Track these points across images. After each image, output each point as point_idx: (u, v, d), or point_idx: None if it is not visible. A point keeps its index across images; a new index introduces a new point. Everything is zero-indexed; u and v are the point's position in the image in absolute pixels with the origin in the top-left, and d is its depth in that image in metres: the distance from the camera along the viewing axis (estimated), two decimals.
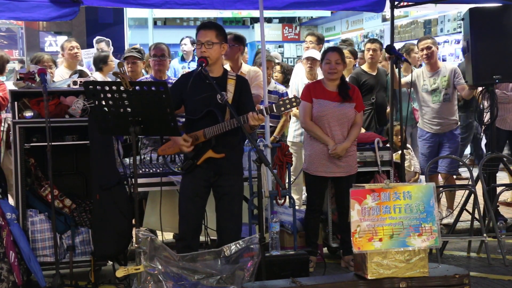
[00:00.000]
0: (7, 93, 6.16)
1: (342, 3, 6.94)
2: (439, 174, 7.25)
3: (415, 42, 8.14)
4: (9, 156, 6.29)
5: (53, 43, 15.74)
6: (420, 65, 8.05)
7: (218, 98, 4.59)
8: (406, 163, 7.00)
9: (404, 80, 7.11)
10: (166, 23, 20.31)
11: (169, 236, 6.30)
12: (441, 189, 6.50)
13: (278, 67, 8.26)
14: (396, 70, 6.14)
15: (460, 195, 6.41)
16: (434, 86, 7.03)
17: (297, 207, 6.34)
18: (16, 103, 5.22)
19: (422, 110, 7.19)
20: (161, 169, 5.38)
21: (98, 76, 7.51)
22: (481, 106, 6.75)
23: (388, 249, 3.67)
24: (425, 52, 7.07)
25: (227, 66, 6.58)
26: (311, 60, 7.29)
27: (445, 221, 6.87)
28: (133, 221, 4.99)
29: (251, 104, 4.81)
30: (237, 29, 19.74)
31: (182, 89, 4.70)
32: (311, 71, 7.31)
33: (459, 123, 7.34)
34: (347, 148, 5.68)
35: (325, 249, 6.24)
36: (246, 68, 6.62)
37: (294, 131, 7.52)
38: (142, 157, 5.68)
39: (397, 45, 7.54)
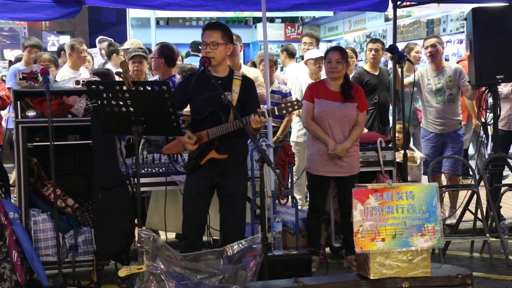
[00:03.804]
0: (8, 91, 6.17)
1: (345, 4, 6.93)
2: (443, 174, 7.23)
3: (416, 41, 8.11)
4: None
5: (55, 42, 15.73)
6: (418, 64, 8.00)
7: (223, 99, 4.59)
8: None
9: (407, 80, 7.08)
10: (169, 22, 20.34)
11: (171, 235, 6.30)
12: (443, 189, 6.49)
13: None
14: (399, 70, 6.12)
15: (463, 195, 6.41)
16: (438, 86, 6.99)
17: (299, 207, 6.34)
18: (19, 102, 5.23)
19: (426, 110, 7.15)
20: (163, 169, 5.38)
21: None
22: (483, 106, 6.72)
23: (391, 249, 3.67)
24: (429, 49, 6.99)
25: None
26: (320, 60, 7.22)
27: (448, 221, 6.86)
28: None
29: (256, 105, 4.77)
30: (240, 28, 19.78)
31: (187, 88, 4.70)
32: (320, 71, 7.22)
33: (463, 122, 7.31)
34: (347, 148, 5.66)
35: (327, 249, 6.23)
36: (244, 69, 6.61)
37: (297, 131, 7.51)
38: (145, 157, 5.68)
39: (400, 45, 7.50)
